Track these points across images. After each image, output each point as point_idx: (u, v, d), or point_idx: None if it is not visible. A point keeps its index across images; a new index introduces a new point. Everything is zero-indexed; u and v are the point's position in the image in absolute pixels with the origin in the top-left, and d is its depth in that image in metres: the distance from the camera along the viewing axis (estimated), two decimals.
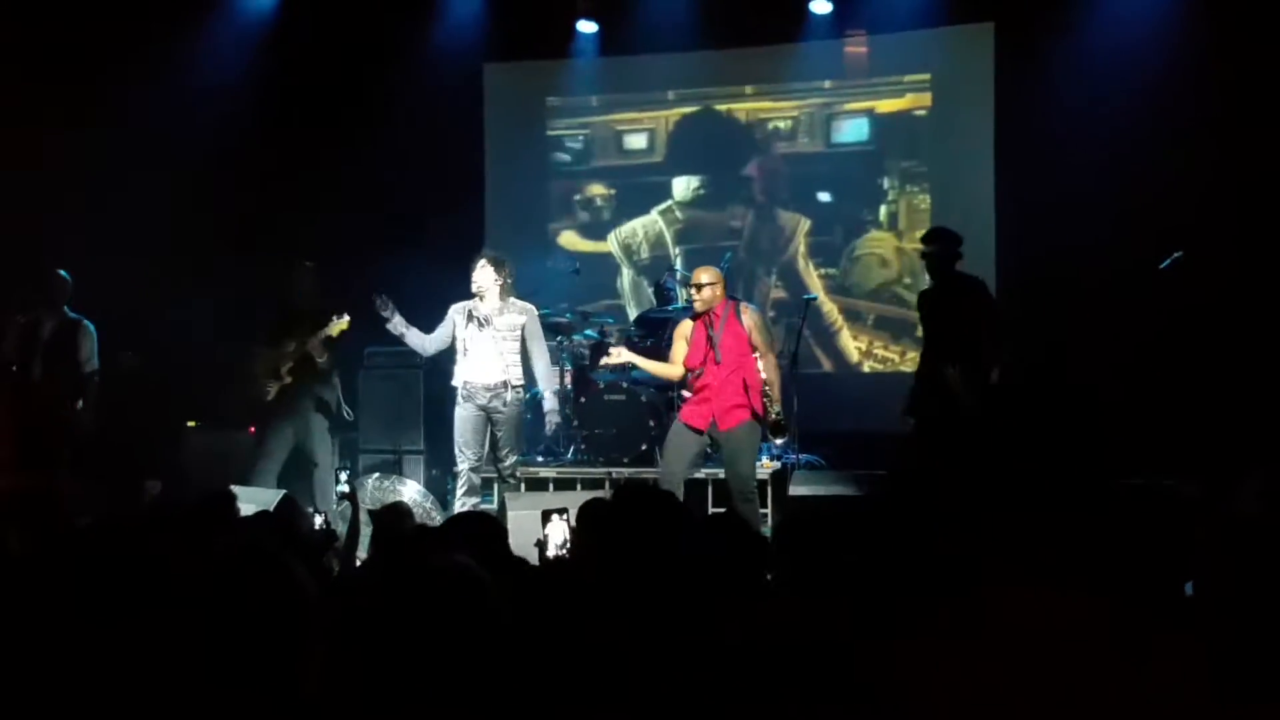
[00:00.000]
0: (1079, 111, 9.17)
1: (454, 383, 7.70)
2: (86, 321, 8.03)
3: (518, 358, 7.63)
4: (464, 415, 7.62)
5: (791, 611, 3.02)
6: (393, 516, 4.91)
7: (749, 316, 7.28)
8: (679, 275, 9.55)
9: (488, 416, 7.62)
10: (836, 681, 2.59)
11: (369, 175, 10.20)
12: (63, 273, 8.00)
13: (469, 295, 7.67)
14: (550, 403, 7.83)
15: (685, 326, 7.27)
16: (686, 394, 7.26)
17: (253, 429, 9.52)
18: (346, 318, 7.88)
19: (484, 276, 7.60)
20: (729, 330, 7.11)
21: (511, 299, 7.69)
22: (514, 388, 7.60)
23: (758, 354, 7.07)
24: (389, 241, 9.71)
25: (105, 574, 2.36)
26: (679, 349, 7.25)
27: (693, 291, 7.20)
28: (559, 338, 9.44)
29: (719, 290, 7.15)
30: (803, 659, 2.70)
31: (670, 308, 9.26)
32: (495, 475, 7.91)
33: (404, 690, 2.11)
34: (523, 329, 7.67)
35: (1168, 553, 3.67)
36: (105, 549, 2.43)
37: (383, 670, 2.11)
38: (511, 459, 7.72)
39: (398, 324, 7.63)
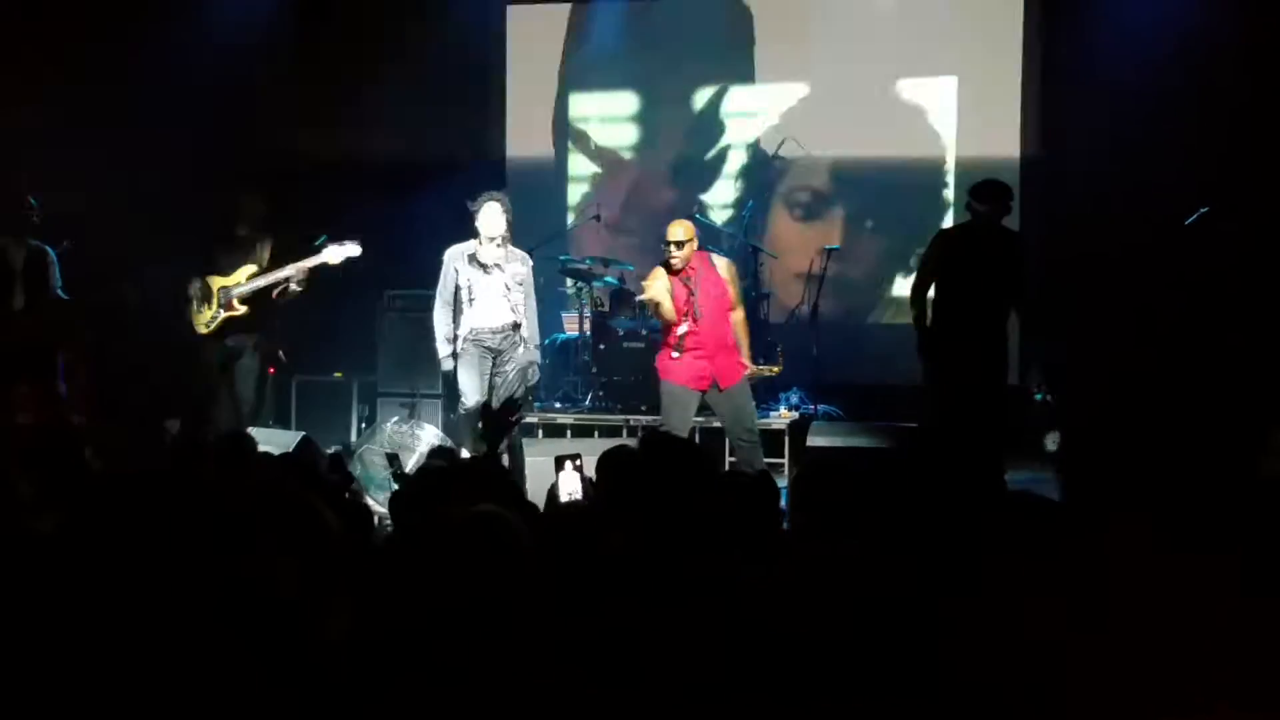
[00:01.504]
0: (1115, 54, 9.07)
1: (459, 332, 7.45)
2: (48, 248, 7.70)
3: (522, 306, 7.49)
4: (467, 361, 7.46)
5: (809, 562, 3.02)
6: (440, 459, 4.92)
7: (725, 268, 7.25)
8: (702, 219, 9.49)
9: (492, 360, 7.49)
10: (859, 633, 2.59)
11: (388, 120, 10.14)
12: (32, 199, 7.65)
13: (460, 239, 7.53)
14: (535, 354, 7.65)
15: (663, 280, 7.02)
16: (675, 355, 7.00)
17: (272, 369, 9.56)
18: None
19: (499, 222, 7.37)
20: (706, 283, 7.06)
21: (511, 246, 7.52)
22: (522, 334, 7.47)
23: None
24: (407, 187, 9.65)
25: (129, 525, 2.37)
26: (664, 299, 6.99)
27: (671, 249, 6.99)
28: (578, 284, 9.42)
29: (694, 245, 7.08)
30: (820, 609, 2.70)
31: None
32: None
33: (430, 636, 2.12)
34: (526, 278, 7.56)
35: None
36: (131, 498, 2.44)
37: (409, 617, 2.12)
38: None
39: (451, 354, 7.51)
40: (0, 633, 2.13)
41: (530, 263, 7.63)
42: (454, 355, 7.45)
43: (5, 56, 8.68)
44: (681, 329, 6.99)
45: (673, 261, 7.01)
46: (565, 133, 11.00)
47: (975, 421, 7.00)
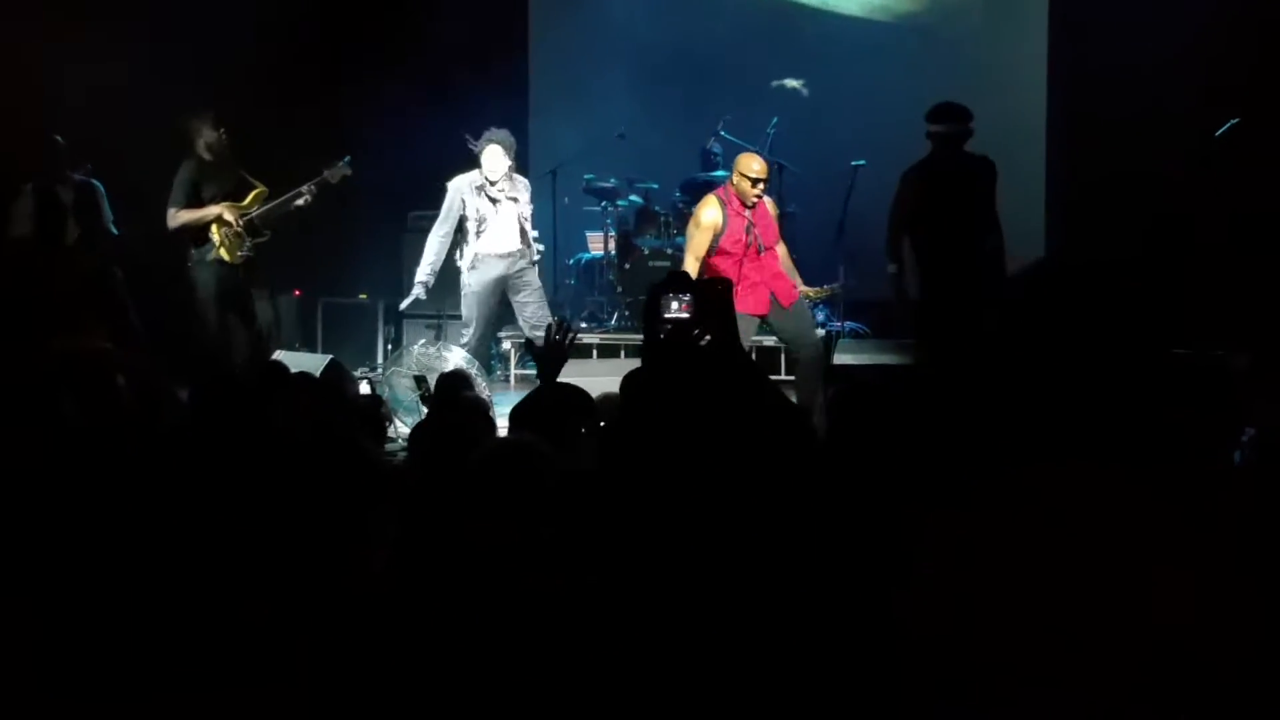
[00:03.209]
0: None
1: (461, 262, 7.68)
2: (95, 181, 7.71)
3: (530, 231, 7.70)
4: (474, 287, 7.64)
5: (840, 481, 3.03)
6: (454, 382, 4.93)
7: (772, 205, 7.21)
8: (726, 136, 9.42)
9: (503, 287, 7.66)
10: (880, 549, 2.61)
11: (409, 39, 10.03)
12: (58, 138, 7.63)
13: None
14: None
15: (713, 217, 6.86)
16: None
17: (298, 292, 9.58)
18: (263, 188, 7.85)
19: (500, 164, 7.55)
20: (762, 219, 7.01)
21: (515, 175, 7.71)
22: (532, 258, 7.69)
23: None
24: (429, 107, 9.57)
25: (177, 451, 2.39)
26: (701, 241, 6.88)
27: (758, 188, 6.84)
28: (603, 203, 9.41)
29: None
30: (848, 527, 2.72)
31: (715, 173, 9.16)
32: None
33: (465, 572, 2.14)
34: (530, 205, 7.76)
35: (1218, 422, 3.65)
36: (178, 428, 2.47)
37: (447, 549, 2.14)
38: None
39: (428, 281, 7.73)
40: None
41: (530, 188, 7.83)
42: (426, 286, 7.73)
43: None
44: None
45: (752, 200, 6.91)
46: (590, 47, 10.87)
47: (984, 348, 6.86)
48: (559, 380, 3.79)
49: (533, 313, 7.67)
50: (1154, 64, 8.76)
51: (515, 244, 7.64)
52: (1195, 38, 8.61)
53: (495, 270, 7.63)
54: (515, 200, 7.63)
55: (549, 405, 3.46)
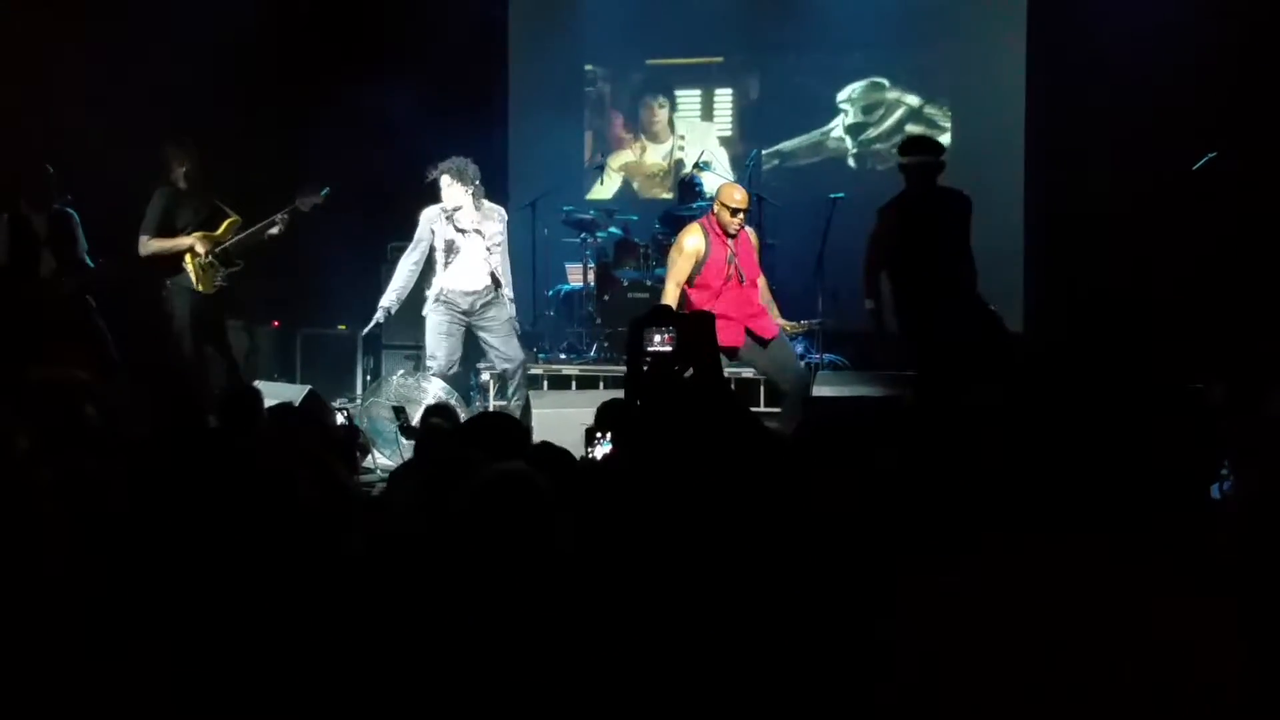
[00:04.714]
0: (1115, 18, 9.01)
1: (428, 292, 7.56)
2: (70, 210, 7.65)
3: (500, 266, 7.57)
4: (437, 321, 7.50)
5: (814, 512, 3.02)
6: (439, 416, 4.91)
7: (753, 235, 7.22)
8: (707, 168, 9.44)
9: (467, 324, 7.55)
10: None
11: (388, 69, 10.03)
12: (49, 167, 7.59)
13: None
14: (513, 309, 7.72)
15: (696, 245, 6.89)
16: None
17: (276, 323, 9.56)
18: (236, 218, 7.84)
19: (454, 194, 7.42)
20: (744, 249, 7.01)
21: (485, 203, 7.57)
22: (501, 289, 7.55)
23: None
24: (405, 134, 9.55)
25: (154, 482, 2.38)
26: (684, 268, 6.88)
27: (739, 218, 6.83)
28: (583, 235, 9.41)
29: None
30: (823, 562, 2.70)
31: (696, 204, 9.16)
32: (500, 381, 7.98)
33: (456, 597, 2.12)
34: (502, 237, 7.62)
35: (1194, 456, 3.63)
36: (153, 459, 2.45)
37: (432, 578, 2.12)
38: (513, 364, 7.64)
39: (391, 306, 7.61)
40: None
41: (505, 218, 7.69)
42: (388, 312, 7.60)
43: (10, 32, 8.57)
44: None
45: (733, 229, 6.90)
46: (571, 77, 10.91)
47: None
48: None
49: (500, 347, 7.59)
50: (1132, 96, 8.81)
51: (482, 281, 7.51)
52: (1173, 70, 8.67)
53: (458, 306, 7.50)
54: (480, 234, 7.50)
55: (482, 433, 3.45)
